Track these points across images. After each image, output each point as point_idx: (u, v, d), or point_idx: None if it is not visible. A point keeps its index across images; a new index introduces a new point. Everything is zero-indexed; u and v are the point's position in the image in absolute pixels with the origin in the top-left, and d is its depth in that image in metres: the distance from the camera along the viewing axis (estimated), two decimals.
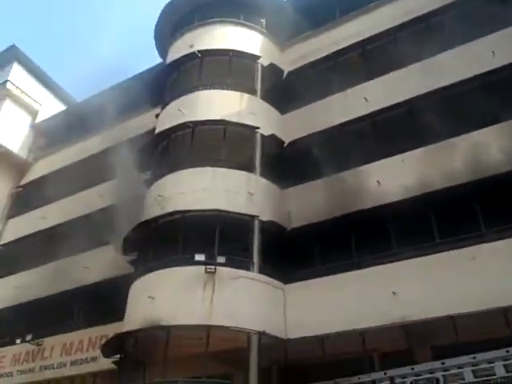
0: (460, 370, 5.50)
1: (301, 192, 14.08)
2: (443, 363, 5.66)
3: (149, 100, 18.27)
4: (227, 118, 14.48)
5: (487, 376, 5.38)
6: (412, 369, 5.84)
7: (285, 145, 15.13)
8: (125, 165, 17.02)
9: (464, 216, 11.56)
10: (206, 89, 15.52)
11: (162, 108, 16.69)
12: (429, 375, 5.67)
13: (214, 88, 15.45)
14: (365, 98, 14.24)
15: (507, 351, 5.37)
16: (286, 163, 14.52)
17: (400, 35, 14.73)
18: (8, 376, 17.65)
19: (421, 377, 5.69)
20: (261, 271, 12.76)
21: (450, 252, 11.14)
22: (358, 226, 12.71)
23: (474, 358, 5.51)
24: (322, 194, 13.50)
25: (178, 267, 12.49)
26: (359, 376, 6.22)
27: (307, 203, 13.69)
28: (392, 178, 12.69)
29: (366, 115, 14.07)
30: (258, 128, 14.77)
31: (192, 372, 11.80)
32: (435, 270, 11.08)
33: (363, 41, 15.56)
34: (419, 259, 11.44)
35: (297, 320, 12.22)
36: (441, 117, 12.26)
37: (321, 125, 14.58)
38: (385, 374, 6.01)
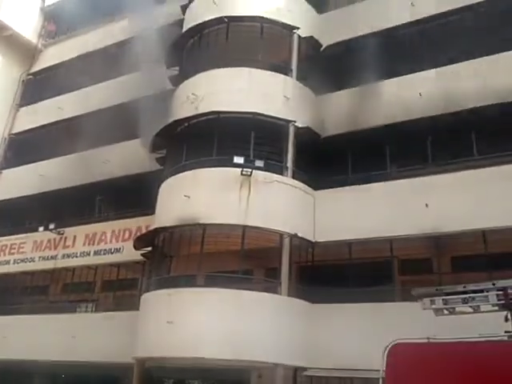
0: None
1: (337, 99, 13.86)
2: None
3: None
4: (265, 15, 13.71)
5: None
6: None
7: (322, 48, 14.56)
8: (149, 57, 16.41)
9: (503, 133, 11.57)
10: None
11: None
12: None
13: None
14: (411, 3, 13.48)
15: None
16: (323, 68, 14.01)
17: None
18: (30, 261, 18.34)
19: None
20: (294, 176, 12.96)
21: (487, 169, 11.32)
22: (394, 137, 12.72)
23: None
24: (358, 103, 13.34)
25: (214, 168, 12.59)
26: (464, 285, 6.61)
27: (343, 111, 13.55)
28: (434, 90, 12.43)
29: (412, 22, 13.41)
30: (297, 28, 14.09)
31: (219, 267, 12.42)
32: (471, 185, 11.35)
33: None
34: (455, 174, 11.65)
35: (325, 225, 12.68)
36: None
37: (361, 29, 13.96)
38: (493, 284, 6.38)
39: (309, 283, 12.12)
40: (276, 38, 14.06)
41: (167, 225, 12.66)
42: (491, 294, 6.25)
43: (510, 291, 6.06)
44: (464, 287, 6.49)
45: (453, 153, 12.05)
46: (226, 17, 13.84)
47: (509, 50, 11.83)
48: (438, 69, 12.62)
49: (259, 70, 13.46)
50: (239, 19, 13.85)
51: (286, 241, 12.30)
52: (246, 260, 12.25)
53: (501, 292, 6.17)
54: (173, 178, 13.27)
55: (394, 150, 12.82)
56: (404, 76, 13.02)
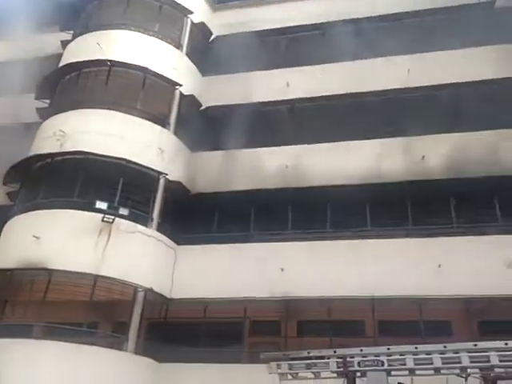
0: (403, 357, 6.43)
1: (209, 158, 14.29)
2: (388, 349, 6.55)
3: (58, 20, 16.58)
4: (150, 67, 13.86)
5: (427, 364, 6.41)
6: (360, 350, 6.62)
7: (202, 108, 15.05)
8: (17, 84, 15.43)
9: (350, 211, 12.85)
10: (131, 30, 14.60)
11: (74, 36, 15.31)
12: (374, 358, 6.52)
13: (140, 31, 14.60)
14: (287, 83, 14.76)
15: (444, 346, 6.44)
16: (200, 126, 14.43)
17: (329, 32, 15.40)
18: None
19: (367, 358, 6.50)
20: (158, 229, 12.77)
21: (335, 241, 12.38)
22: (258, 202, 13.36)
23: (416, 348, 6.49)
24: (226, 165, 13.90)
25: (73, 210, 11.87)
26: (308, 351, 6.87)
27: (213, 170, 13.96)
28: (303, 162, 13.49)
29: (286, 100, 14.62)
30: (179, 85, 14.44)
31: (62, 317, 11.46)
32: (320, 254, 12.22)
33: (293, 27, 15.98)
34: (308, 243, 12.52)
35: (184, 281, 12.55)
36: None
37: (240, 98, 14.74)
38: (334, 352, 6.71)
39: (160, 341, 11.71)
40: (158, 90, 14.22)
41: (7, 266, 11.42)
42: (332, 361, 6.67)
43: (348, 359, 6.53)
44: (308, 353, 6.85)
45: (308, 222, 12.99)
46: (109, 60, 13.67)
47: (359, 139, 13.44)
48: (294, 146, 13.79)
49: (136, 118, 13.38)
50: (122, 65, 13.77)
51: (140, 295, 11.88)
52: (94, 312, 11.49)
53: (340, 360, 6.63)
54: (24, 215, 12.18)
55: (258, 214, 13.41)
56: (273, 147, 13.93)
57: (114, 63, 13.71)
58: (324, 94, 14.26)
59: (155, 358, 11.52)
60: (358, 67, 14.38)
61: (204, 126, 14.40)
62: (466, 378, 6.78)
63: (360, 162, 13.00)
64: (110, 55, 13.79)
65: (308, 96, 14.38)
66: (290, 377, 7.08)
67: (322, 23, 15.55)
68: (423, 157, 12.62)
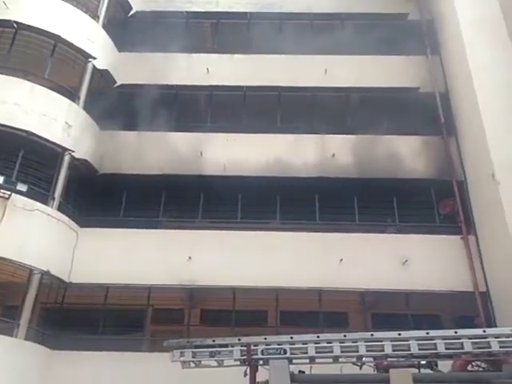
0: (305, 346, 6.58)
1: (121, 138, 13.63)
2: (292, 337, 6.67)
3: None
4: (63, 35, 12.89)
5: (327, 353, 6.61)
6: (264, 338, 6.67)
7: (115, 85, 14.34)
8: None
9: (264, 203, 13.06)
10: None
11: None
12: (277, 346, 6.60)
13: None
14: (207, 69, 14.54)
15: (344, 335, 6.67)
16: (113, 104, 13.69)
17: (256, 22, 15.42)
18: None
19: (270, 346, 6.55)
20: (60, 209, 11.99)
21: (246, 232, 12.47)
22: (169, 188, 13.06)
23: (318, 337, 6.65)
24: (141, 147, 13.44)
25: None
26: (213, 338, 6.78)
27: (124, 151, 13.39)
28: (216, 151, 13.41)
29: (205, 86, 14.41)
30: (93, 58, 13.60)
31: None
32: (230, 244, 12.25)
33: (219, 13, 15.79)
34: (217, 232, 12.48)
35: (85, 265, 11.94)
36: None
37: (157, 79, 14.25)
38: (239, 340, 6.68)
39: (55, 327, 11.07)
40: (69, 61, 13.31)
41: None
42: (236, 349, 6.71)
43: (252, 348, 6.61)
44: (213, 341, 6.83)
45: (220, 212, 12.97)
46: (15, 22, 12.51)
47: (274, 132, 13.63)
48: (210, 133, 13.69)
49: (42, 88, 12.38)
50: (31, 29, 12.65)
51: (35, 277, 11.11)
52: None
53: (244, 348, 6.69)
54: None
55: (169, 200, 13.11)
56: (184, 132, 13.67)
57: (21, 26, 12.55)
58: (242, 84, 14.26)
59: (48, 345, 10.86)
60: (279, 61, 14.52)
61: (117, 104, 13.68)
62: (360, 367, 7.20)
63: (270, 154, 13.19)
64: (18, 17, 12.61)
65: (227, 84, 14.29)
66: (192, 365, 7.02)
67: (249, 13, 15.51)
68: (333, 154, 13.13)
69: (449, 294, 11.46)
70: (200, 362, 7.04)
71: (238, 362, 6.89)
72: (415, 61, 14.38)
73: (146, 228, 12.62)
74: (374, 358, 6.88)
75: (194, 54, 14.96)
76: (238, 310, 11.94)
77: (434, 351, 6.56)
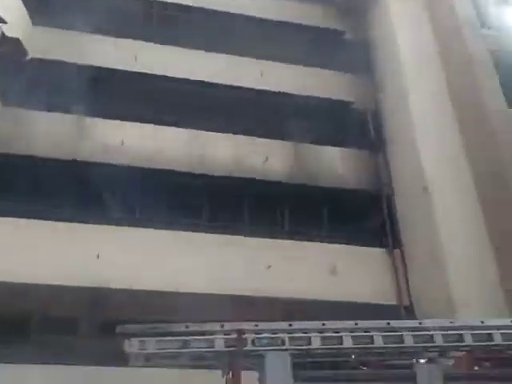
0: (307, 335, 5.34)
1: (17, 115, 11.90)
2: (290, 325, 5.42)
3: None
4: None
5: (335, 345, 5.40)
6: (256, 325, 5.35)
7: (27, 57, 12.62)
8: None
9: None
10: None
11: None
12: (273, 335, 5.32)
13: None
14: (135, 57, 13.38)
15: (356, 323, 5.53)
16: (19, 78, 11.97)
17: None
18: None
19: (264, 335, 5.27)
20: None
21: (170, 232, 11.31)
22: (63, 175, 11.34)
23: (323, 324, 5.47)
24: (36, 126, 11.88)
25: None
26: (187, 324, 5.33)
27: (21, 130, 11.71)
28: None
29: (132, 72, 13.20)
30: (4, 22, 11.84)
31: None
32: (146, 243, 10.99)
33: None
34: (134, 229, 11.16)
35: None
36: None
37: (73, 58, 12.78)
38: (222, 326, 5.28)
39: None
40: None
41: None
42: (218, 337, 5.34)
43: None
44: (186, 327, 5.40)
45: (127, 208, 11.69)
46: None
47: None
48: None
49: None
50: None
51: None
52: None
53: (231, 337, 5.30)
54: None
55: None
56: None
57: None
58: (170, 75, 13.30)
59: None
60: (211, 58, 13.88)
61: (23, 79, 12.02)
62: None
63: (203, 151, 12.35)
64: None
65: (155, 73, 13.25)
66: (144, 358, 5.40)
67: (188, 6, 14.71)
68: (266, 158, 12.56)
69: (374, 306, 11.18)
70: (168, 355, 5.43)
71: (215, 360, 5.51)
72: (350, 77, 14.53)
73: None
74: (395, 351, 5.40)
75: (123, 39, 13.72)
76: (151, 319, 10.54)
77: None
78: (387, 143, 13.40)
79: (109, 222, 11.09)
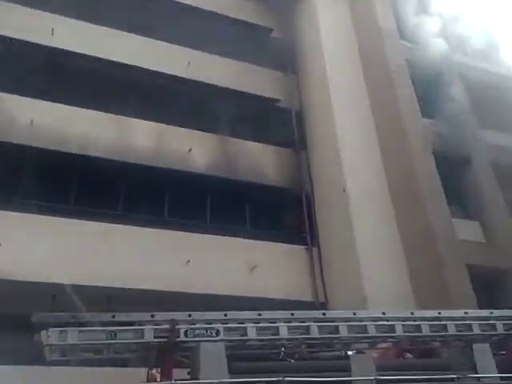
0: (243, 325, 4.97)
1: None
2: (225, 315, 5.03)
3: None
4: None
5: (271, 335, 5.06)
6: (189, 316, 4.88)
7: None
8: None
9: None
10: None
11: None
12: (207, 325, 4.87)
13: None
14: (52, 30, 12.28)
15: (292, 314, 5.28)
16: None
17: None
18: None
19: (198, 326, 4.80)
20: None
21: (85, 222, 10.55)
22: None
23: (260, 314, 5.14)
24: None
25: None
26: (114, 314, 4.71)
27: None
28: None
29: (46, 47, 12.09)
30: None
31: None
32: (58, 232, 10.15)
33: None
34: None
35: None
36: None
37: None
38: (152, 316, 4.75)
39: None
40: None
41: None
42: (148, 328, 4.87)
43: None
44: (113, 317, 4.89)
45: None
46: None
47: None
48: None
49: None
50: None
51: None
52: None
53: (162, 327, 4.87)
54: None
55: None
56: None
57: None
58: (90, 54, 12.36)
59: None
60: (144, 43, 13.22)
61: None
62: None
63: (124, 138, 11.68)
64: None
65: (74, 51, 12.26)
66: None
67: None
68: (190, 149, 12.17)
69: (292, 303, 11.23)
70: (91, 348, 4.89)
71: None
72: (277, 75, 14.59)
73: None
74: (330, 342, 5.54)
75: (40, 11, 12.53)
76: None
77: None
78: (309, 143, 13.65)
79: None
